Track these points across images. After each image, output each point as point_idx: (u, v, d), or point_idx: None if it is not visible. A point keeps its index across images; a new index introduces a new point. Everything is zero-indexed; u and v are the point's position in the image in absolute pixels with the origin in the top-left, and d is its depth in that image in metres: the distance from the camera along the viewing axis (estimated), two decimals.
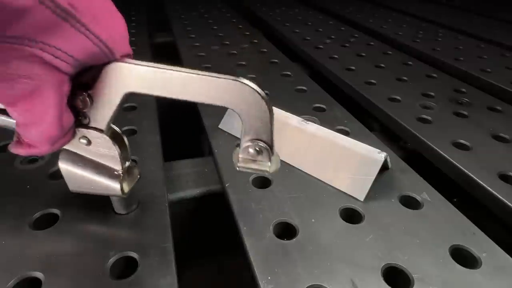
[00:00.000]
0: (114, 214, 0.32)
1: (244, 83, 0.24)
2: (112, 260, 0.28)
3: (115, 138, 0.29)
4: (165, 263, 0.28)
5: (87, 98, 0.26)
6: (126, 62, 0.25)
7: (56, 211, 0.33)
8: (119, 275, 0.28)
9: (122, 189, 0.30)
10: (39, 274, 0.27)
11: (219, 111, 0.48)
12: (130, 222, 0.32)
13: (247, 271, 0.29)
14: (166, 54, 0.86)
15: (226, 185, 0.37)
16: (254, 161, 0.27)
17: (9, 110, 0.25)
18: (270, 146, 0.26)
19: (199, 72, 0.24)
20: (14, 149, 0.27)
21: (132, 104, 0.52)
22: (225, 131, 0.46)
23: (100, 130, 0.28)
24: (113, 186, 0.30)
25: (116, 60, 0.25)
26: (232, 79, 0.24)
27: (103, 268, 0.28)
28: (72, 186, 0.31)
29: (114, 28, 0.25)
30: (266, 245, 0.30)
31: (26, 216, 0.32)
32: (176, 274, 0.28)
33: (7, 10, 0.18)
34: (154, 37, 0.94)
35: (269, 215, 0.33)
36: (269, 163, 0.27)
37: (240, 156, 0.27)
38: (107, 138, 0.28)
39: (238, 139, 0.44)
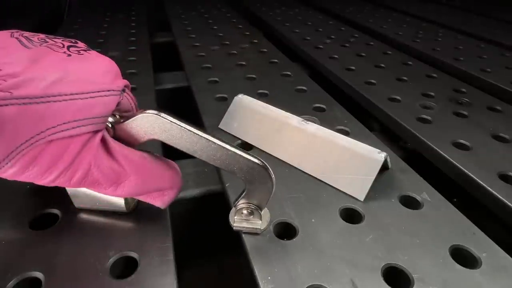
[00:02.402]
0: (114, 214, 0.32)
1: (261, 166, 0.27)
2: (112, 260, 0.28)
3: None
4: (165, 263, 0.28)
5: (110, 128, 0.28)
6: (159, 116, 0.27)
7: (56, 211, 0.33)
8: (119, 275, 0.28)
9: (126, 204, 0.31)
10: (39, 274, 0.27)
11: (219, 111, 0.48)
12: (130, 222, 0.32)
13: (247, 271, 0.29)
14: (166, 54, 0.86)
15: (226, 185, 0.37)
16: (247, 220, 0.31)
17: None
18: (261, 208, 0.30)
19: (220, 142, 0.27)
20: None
21: None
22: (225, 131, 0.46)
23: None
24: (117, 201, 0.31)
25: (152, 112, 0.27)
26: (252, 160, 0.27)
27: (103, 268, 0.28)
28: (77, 203, 0.32)
29: (88, 76, 0.26)
30: (266, 245, 0.30)
31: (26, 216, 0.32)
32: (176, 274, 0.28)
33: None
34: (154, 36, 0.94)
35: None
36: (260, 221, 0.31)
37: (235, 217, 0.31)
38: None
39: (238, 139, 0.45)
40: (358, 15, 1.17)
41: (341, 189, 0.36)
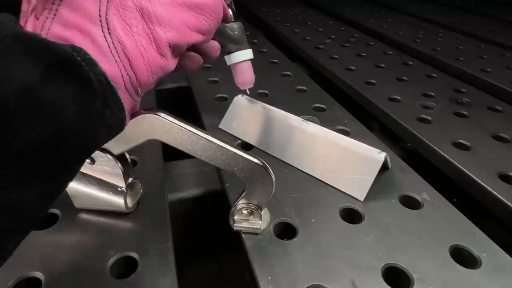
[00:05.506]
0: (114, 214, 0.32)
1: (261, 166, 0.28)
2: (112, 260, 0.28)
3: (118, 155, 0.30)
4: (165, 263, 0.28)
5: None
6: (159, 116, 0.27)
7: (56, 211, 0.33)
8: (119, 275, 0.28)
9: (126, 204, 0.31)
10: (38, 274, 0.27)
11: (219, 112, 0.48)
12: (130, 222, 0.32)
13: (247, 271, 0.29)
14: None
15: (226, 185, 0.37)
16: (247, 220, 0.31)
17: None
18: (261, 208, 0.30)
19: (220, 142, 0.27)
20: None
21: None
22: (225, 131, 0.46)
23: (108, 152, 0.29)
24: (117, 202, 0.31)
25: (151, 112, 0.27)
26: (252, 161, 0.28)
27: (103, 267, 0.28)
28: (78, 204, 0.32)
29: None
30: (266, 245, 0.30)
31: None
32: (176, 274, 0.28)
33: None
34: None
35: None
36: (260, 221, 0.31)
37: (235, 217, 0.31)
38: (110, 157, 0.29)
39: (238, 139, 0.45)
40: (358, 15, 1.17)
41: (341, 189, 0.36)
